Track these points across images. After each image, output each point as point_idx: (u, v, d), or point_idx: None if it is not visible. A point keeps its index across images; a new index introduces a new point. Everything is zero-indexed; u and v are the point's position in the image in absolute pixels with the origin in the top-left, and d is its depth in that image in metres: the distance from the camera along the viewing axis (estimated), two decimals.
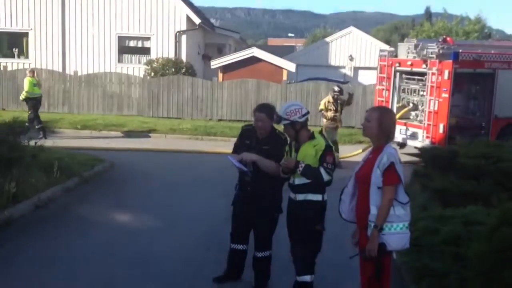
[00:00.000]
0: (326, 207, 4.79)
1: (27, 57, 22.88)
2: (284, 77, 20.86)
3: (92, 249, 6.29)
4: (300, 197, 4.77)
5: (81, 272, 5.60)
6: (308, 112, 4.88)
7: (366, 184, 3.95)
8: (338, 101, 12.23)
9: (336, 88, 12.36)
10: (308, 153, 4.71)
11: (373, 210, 3.85)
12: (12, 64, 21.90)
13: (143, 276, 5.57)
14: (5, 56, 22.86)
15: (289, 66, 21.39)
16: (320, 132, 5.06)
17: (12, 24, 22.70)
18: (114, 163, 11.34)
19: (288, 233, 4.98)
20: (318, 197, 4.73)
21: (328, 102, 12.22)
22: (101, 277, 5.50)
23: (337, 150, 11.58)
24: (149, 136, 16.08)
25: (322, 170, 4.64)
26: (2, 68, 20.39)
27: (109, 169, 10.93)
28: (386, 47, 26.78)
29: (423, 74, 12.88)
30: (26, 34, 22.81)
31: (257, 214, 5.15)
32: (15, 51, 23.02)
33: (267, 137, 5.13)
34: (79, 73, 20.01)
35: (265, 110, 5.11)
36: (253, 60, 20.96)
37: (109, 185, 9.83)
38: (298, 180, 4.75)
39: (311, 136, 4.80)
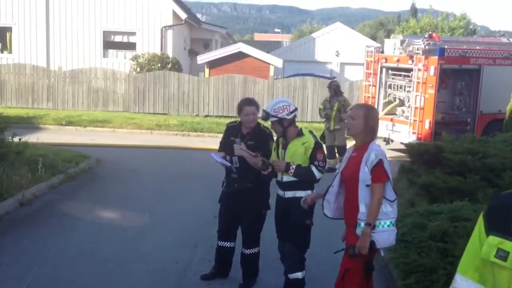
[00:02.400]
0: (315, 202, 4.72)
1: (10, 52, 22.56)
2: (271, 73, 20.83)
3: (78, 247, 6.22)
4: (289, 194, 4.75)
5: (66, 270, 5.53)
6: (296, 109, 4.86)
7: (353, 183, 3.89)
8: (330, 99, 11.54)
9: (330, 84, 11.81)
10: (298, 150, 4.68)
11: (362, 208, 3.81)
12: None
13: (129, 273, 5.52)
14: None
15: (276, 61, 21.36)
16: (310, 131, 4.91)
17: None
18: (99, 159, 11.23)
19: (276, 230, 4.96)
20: (307, 194, 4.68)
21: (325, 100, 11.90)
22: (87, 275, 5.44)
23: (340, 154, 11.02)
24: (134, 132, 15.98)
25: (313, 169, 4.62)
26: None
27: (94, 165, 10.82)
28: (372, 43, 26.91)
29: (409, 70, 12.91)
30: (9, 29, 22.48)
31: (244, 211, 5.13)
32: None
33: (252, 132, 5.14)
34: (64, 69, 19.78)
35: (255, 103, 5.28)
36: (240, 55, 20.90)
37: (95, 182, 9.74)
38: (287, 178, 4.72)
39: (299, 133, 4.76)
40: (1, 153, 8.50)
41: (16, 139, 9.62)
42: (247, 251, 5.19)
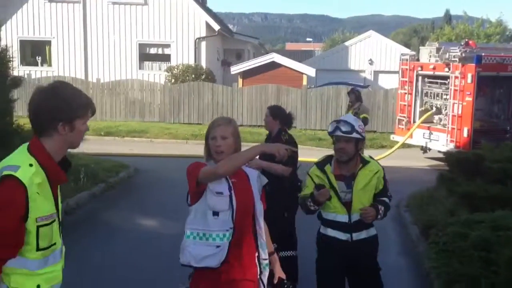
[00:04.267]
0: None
1: (50, 65, 23.26)
2: (304, 82, 20.87)
3: (119, 255, 6.37)
4: (361, 235, 3.93)
5: (108, 277, 5.68)
6: None
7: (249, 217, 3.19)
8: (350, 104, 11.53)
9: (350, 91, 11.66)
10: (371, 183, 3.90)
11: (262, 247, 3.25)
12: (36, 72, 22.27)
13: (168, 282, 5.62)
14: (28, 64, 23.25)
15: (309, 71, 21.40)
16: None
17: (35, 33, 23.11)
18: (138, 169, 11.46)
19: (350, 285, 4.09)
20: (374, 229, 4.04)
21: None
22: (128, 282, 5.57)
23: None
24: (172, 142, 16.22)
25: (388, 202, 3.99)
26: (26, 76, 20.74)
27: (133, 175, 11.05)
28: (406, 50, 26.65)
29: (446, 77, 12.79)
30: (49, 43, 23.20)
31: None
32: (39, 59, 23.42)
33: (271, 138, 5.34)
34: (102, 81, 20.27)
35: (271, 108, 5.60)
36: (273, 65, 21.03)
37: (134, 191, 9.94)
38: (358, 215, 3.86)
39: (363, 159, 3.98)
40: None
41: None
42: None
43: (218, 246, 3.06)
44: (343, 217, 3.87)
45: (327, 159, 4.02)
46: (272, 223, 4.92)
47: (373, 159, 4.03)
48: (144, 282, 5.61)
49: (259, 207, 3.22)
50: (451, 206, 7.28)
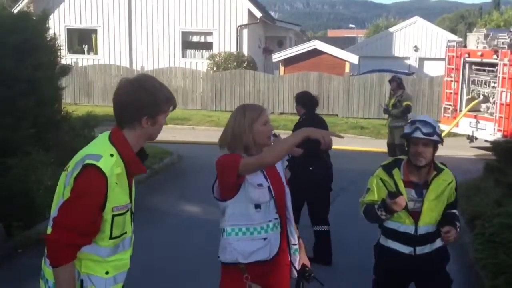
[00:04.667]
0: None
1: (96, 53, 23.82)
2: (347, 70, 20.64)
3: (166, 240, 6.53)
4: (425, 249, 3.53)
5: (154, 261, 5.83)
6: None
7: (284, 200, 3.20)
8: (392, 93, 11.13)
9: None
10: (444, 193, 3.51)
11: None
12: (82, 60, 22.86)
13: (216, 266, 5.73)
14: (75, 52, 23.87)
15: (352, 58, 21.14)
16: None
17: (81, 22, 23.67)
18: (181, 155, 11.65)
19: None
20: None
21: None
22: (174, 267, 5.70)
23: (401, 153, 10.73)
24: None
25: (458, 215, 3.64)
26: (73, 64, 21.32)
27: (177, 161, 11.25)
28: (453, 37, 25.99)
29: (494, 65, 12.42)
30: (95, 31, 23.73)
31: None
32: (85, 47, 24.00)
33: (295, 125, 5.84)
34: (145, 68, 20.61)
35: (296, 95, 6.05)
36: (315, 52, 20.86)
37: (178, 177, 10.13)
38: (425, 227, 3.50)
39: (436, 166, 3.57)
40: None
41: None
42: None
43: (265, 239, 3.00)
44: (408, 228, 3.47)
45: (396, 163, 3.60)
46: (311, 200, 5.68)
47: (446, 167, 3.61)
48: (190, 266, 5.73)
49: (287, 191, 3.18)
50: (498, 197, 7.11)
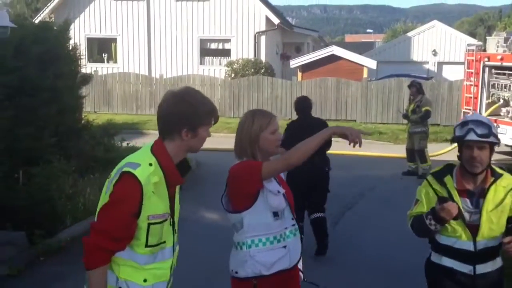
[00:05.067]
0: None
1: (115, 61, 24.10)
2: (365, 75, 20.58)
3: (185, 247, 6.56)
4: (487, 267, 3.11)
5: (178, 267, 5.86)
6: None
7: None
8: (411, 98, 11.08)
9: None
10: (505, 202, 3.05)
11: None
12: (102, 68, 23.13)
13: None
14: (95, 61, 24.18)
15: (370, 63, 21.07)
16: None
17: (101, 31, 23.99)
18: (200, 162, 11.71)
19: None
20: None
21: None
22: (192, 274, 5.74)
23: (423, 161, 10.64)
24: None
25: None
26: (93, 73, 21.62)
27: (195, 168, 11.30)
28: (472, 41, 25.76)
29: None
30: (114, 40, 24.03)
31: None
32: (105, 56, 24.30)
33: None
34: (164, 76, 20.80)
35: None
36: (333, 58, 20.85)
37: (197, 184, 10.17)
38: (486, 242, 3.06)
39: (494, 172, 3.12)
40: (112, 157, 9.13)
41: (124, 144, 10.31)
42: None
43: (284, 247, 2.91)
44: (466, 244, 3.04)
45: (447, 169, 3.16)
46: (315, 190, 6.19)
47: (505, 171, 3.16)
48: (205, 273, 5.76)
49: (291, 195, 3.09)
50: None
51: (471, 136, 2.95)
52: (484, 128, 2.96)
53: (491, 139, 2.96)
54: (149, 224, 2.45)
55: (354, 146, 2.71)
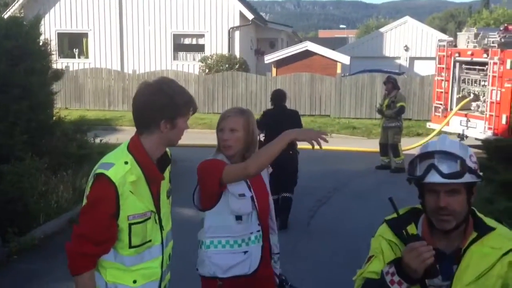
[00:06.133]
0: None
1: (87, 57, 23.76)
2: (339, 70, 20.74)
3: None
4: None
5: None
6: None
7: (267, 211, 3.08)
8: (386, 93, 11.28)
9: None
10: (491, 273, 1.92)
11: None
12: (73, 64, 22.78)
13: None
14: (66, 56, 23.80)
15: (343, 59, 21.24)
16: None
17: (72, 25, 23.62)
18: (174, 159, 11.61)
19: None
20: None
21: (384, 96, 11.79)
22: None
23: (396, 155, 10.82)
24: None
25: None
26: (64, 68, 21.27)
27: (171, 165, 11.24)
28: (443, 36, 26.15)
29: (484, 64, 12.51)
30: (86, 35, 23.69)
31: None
32: (76, 51, 23.94)
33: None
34: (137, 72, 20.60)
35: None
36: (307, 54, 20.96)
37: (172, 180, 10.13)
38: None
39: (479, 224, 2.02)
40: (85, 154, 9.03)
41: (97, 140, 10.19)
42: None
43: (245, 252, 2.83)
44: None
45: (411, 215, 2.11)
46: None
47: (501, 223, 2.10)
48: (178, 269, 5.75)
49: (271, 200, 3.04)
50: (489, 195, 7.18)
51: (433, 178, 1.92)
52: (453, 163, 1.92)
53: (465, 178, 1.92)
54: (130, 225, 2.37)
55: (313, 147, 2.58)
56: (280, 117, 6.79)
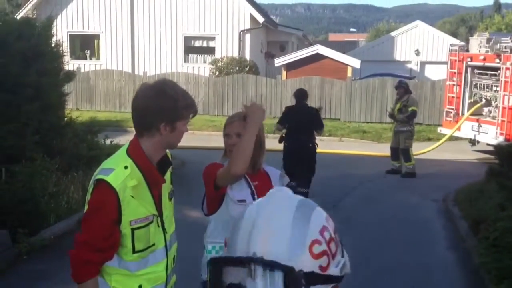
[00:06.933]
0: None
1: (98, 58, 23.86)
2: (349, 74, 20.68)
3: None
4: None
5: None
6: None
7: None
8: (398, 97, 11.19)
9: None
10: None
11: None
12: (85, 65, 22.89)
13: None
14: (78, 58, 23.90)
15: (354, 62, 21.17)
16: None
17: (84, 27, 23.73)
18: (184, 161, 11.67)
19: None
20: None
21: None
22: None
23: (407, 160, 10.71)
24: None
25: None
26: (76, 70, 21.37)
27: (180, 167, 11.25)
28: (455, 41, 26.02)
29: (496, 69, 12.45)
30: (97, 36, 23.79)
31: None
32: (87, 53, 24.06)
33: None
34: (148, 74, 20.66)
35: None
36: (317, 57, 20.89)
37: (181, 182, 10.08)
38: None
39: None
40: (95, 155, 9.06)
41: (107, 142, 10.23)
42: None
43: None
44: None
45: None
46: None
47: None
48: (189, 271, 5.74)
49: None
50: (501, 201, 7.11)
51: None
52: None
53: None
54: (132, 230, 2.34)
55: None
56: (300, 114, 7.64)
